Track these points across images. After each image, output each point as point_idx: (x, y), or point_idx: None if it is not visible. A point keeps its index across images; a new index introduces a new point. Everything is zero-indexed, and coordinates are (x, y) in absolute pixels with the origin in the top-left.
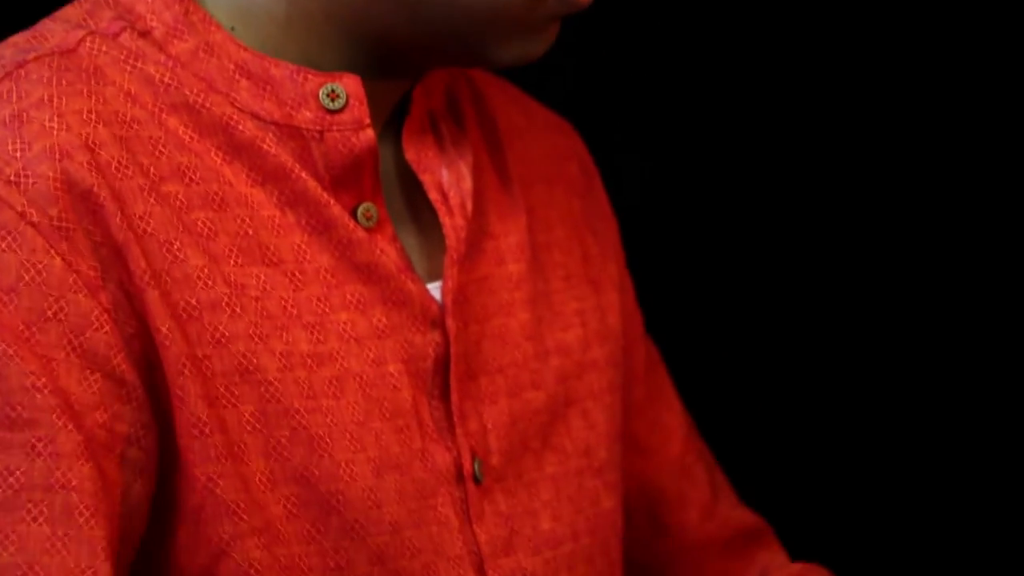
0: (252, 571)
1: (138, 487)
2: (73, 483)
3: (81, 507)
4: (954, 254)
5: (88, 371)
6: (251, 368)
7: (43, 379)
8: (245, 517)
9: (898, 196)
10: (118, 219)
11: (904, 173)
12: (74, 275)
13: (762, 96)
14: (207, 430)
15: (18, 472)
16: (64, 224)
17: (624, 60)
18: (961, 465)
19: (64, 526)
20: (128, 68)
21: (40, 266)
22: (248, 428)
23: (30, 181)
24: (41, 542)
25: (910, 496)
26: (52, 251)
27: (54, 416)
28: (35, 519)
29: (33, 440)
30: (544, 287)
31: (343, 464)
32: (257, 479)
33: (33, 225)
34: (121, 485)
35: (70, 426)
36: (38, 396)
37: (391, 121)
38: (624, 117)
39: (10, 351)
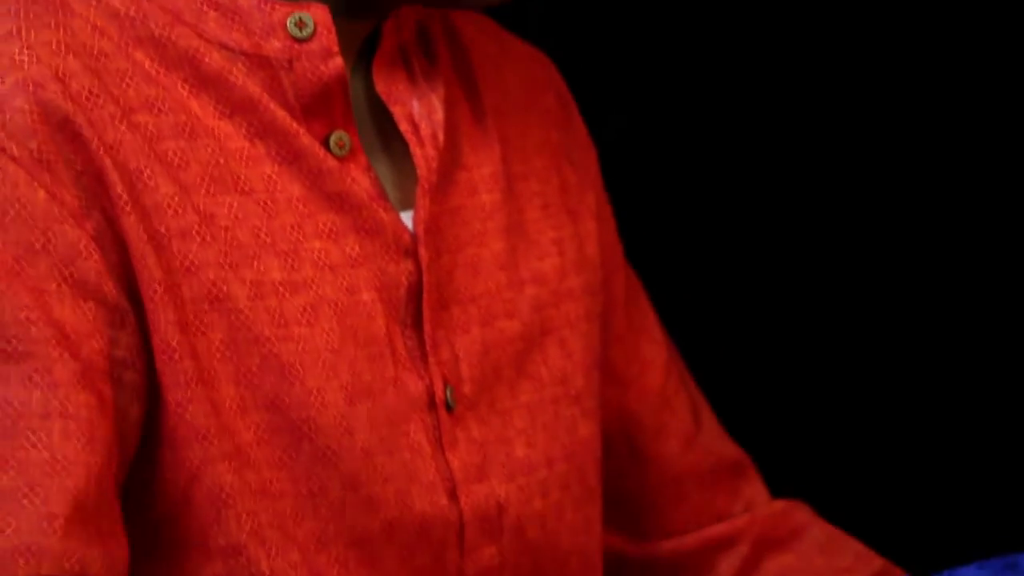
0: (223, 495)
1: (134, 410)
2: (70, 411)
3: (79, 433)
4: (950, 236)
5: (81, 300)
6: (220, 296)
7: (37, 311)
8: (215, 442)
9: (895, 177)
10: (95, 145)
11: (900, 152)
12: (59, 206)
13: (759, 79)
14: (177, 356)
15: (16, 403)
16: (44, 155)
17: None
18: (941, 405)
19: (62, 451)
20: (94, 2)
21: (24, 200)
22: (218, 355)
23: (7, 115)
24: (41, 466)
25: (889, 440)
26: (35, 183)
27: (50, 347)
28: (34, 445)
29: (30, 372)
30: (519, 217)
31: (314, 391)
32: (227, 405)
33: (14, 159)
34: (118, 410)
35: (66, 356)
36: (33, 328)
37: (362, 55)
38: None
39: (2, 286)
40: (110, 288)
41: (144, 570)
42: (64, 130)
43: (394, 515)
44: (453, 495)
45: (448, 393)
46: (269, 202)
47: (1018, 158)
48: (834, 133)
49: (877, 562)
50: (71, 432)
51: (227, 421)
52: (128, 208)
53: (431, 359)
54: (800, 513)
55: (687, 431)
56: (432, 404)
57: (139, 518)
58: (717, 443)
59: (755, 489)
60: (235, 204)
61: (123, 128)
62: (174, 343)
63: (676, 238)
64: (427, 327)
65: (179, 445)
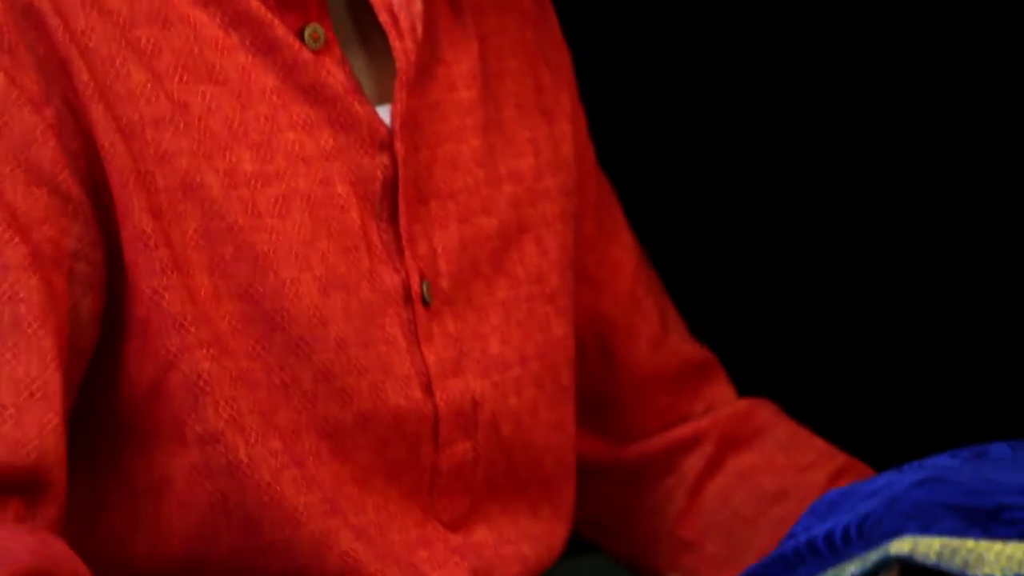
0: (201, 382)
1: (88, 302)
2: (21, 295)
3: (29, 318)
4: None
5: (34, 186)
6: (194, 185)
7: None
8: (192, 329)
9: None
10: (60, 33)
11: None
12: (17, 90)
13: (742, 56)
14: (151, 243)
15: None
16: (5, 40)
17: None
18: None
19: (13, 337)
20: None
21: None
22: (192, 244)
23: None
24: None
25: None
26: None
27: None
28: None
29: None
30: (496, 115)
31: (288, 282)
32: (203, 294)
33: None
34: (70, 300)
35: (16, 239)
36: None
37: None
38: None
39: None
40: (65, 177)
41: (115, 463)
42: (28, 15)
43: (368, 408)
44: (428, 389)
45: (425, 288)
46: (243, 92)
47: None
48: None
49: (840, 458)
50: (21, 317)
51: (204, 309)
52: (95, 96)
53: (407, 253)
54: (764, 411)
55: (656, 333)
56: (408, 298)
57: (107, 411)
58: (684, 345)
59: (721, 389)
60: (209, 93)
61: (93, 14)
62: (148, 230)
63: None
64: (403, 221)
65: (152, 334)
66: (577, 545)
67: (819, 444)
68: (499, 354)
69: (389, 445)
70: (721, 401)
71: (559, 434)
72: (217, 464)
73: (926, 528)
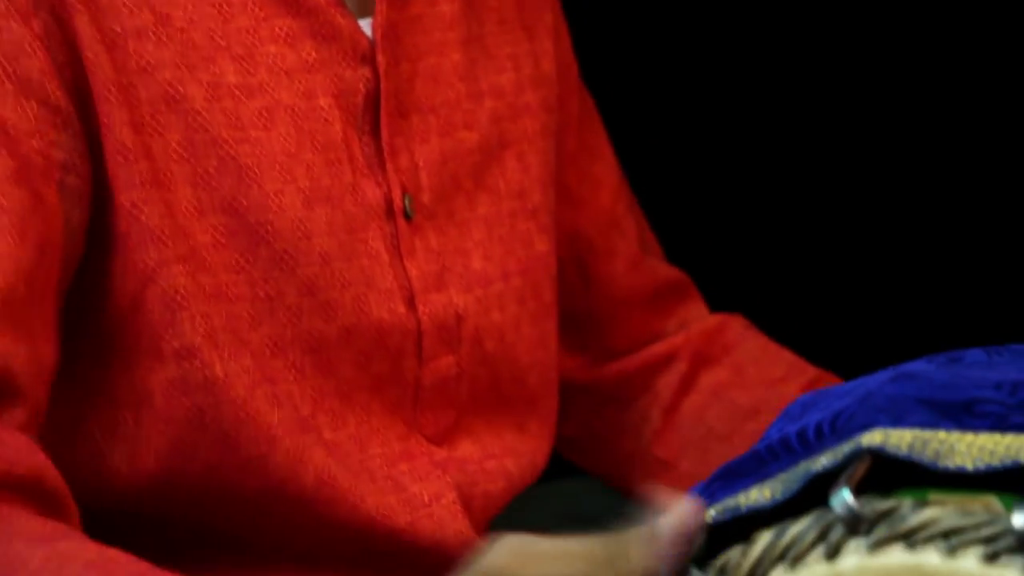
0: (178, 297)
1: (77, 214)
2: (4, 205)
3: (10, 228)
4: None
5: (23, 98)
6: (177, 97)
7: None
8: (169, 244)
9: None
10: None
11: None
12: (5, 2)
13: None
14: (132, 156)
15: None
16: None
17: None
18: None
19: None
20: None
21: None
22: (175, 157)
23: None
24: None
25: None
26: None
27: None
28: None
29: None
30: (478, 30)
31: (272, 195)
32: (183, 207)
33: None
34: (62, 212)
35: (3, 152)
36: None
37: None
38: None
39: None
40: (54, 88)
41: (96, 376)
42: None
43: (351, 321)
44: (411, 303)
45: (406, 202)
46: (224, 5)
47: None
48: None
49: (811, 371)
50: (3, 227)
51: (183, 224)
52: (80, 7)
53: (389, 166)
54: (735, 326)
55: (634, 253)
56: (390, 212)
57: (90, 323)
58: (661, 266)
59: (695, 307)
60: (190, 5)
61: None
62: (128, 143)
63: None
64: (385, 134)
65: (132, 248)
66: (559, 466)
67: (789, 357)
68: (481, 270)
69: (372, 359)
70: (694, 318)
71: (542, 350)
72: (194, 379)
73: (898, 421)
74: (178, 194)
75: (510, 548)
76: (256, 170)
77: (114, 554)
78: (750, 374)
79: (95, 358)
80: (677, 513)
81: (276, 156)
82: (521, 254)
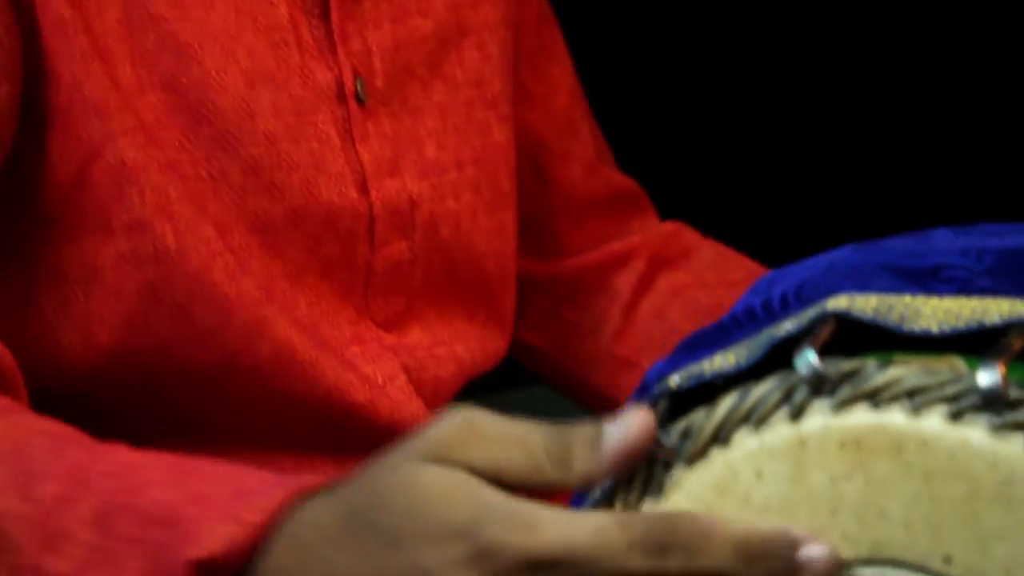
0: (126, 170)
1: (4, 89)
2: None
3: None
4: None
5: None
6: None
7: None
8: (116, 117)
9: None
10: None
11: None
12: None
13: None
14: (71, 30)
15: None
16: None
17: None
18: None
19: None
20: None
21: None
22: (113, 33)
23: None
24: None
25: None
26: None
27: None
28: None
29: None
30: None
31: (213, 73)
32: (126, 83)
33: None
34: None
35: None
36: None
37: None
38: None
39: None
40: None
41: (45, 254)
42: None
43: (299, 203)
44: (363, 188)
45: (359, 85)
46: None
47: None
48: None
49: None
50: None
51: (128, 98)
52: None
53: (340, 50)
54: (689, 233)
55: (589, 158)
56: (342, 95)
57: (35, 201)
58: (616, 175)
59: (650, 217)
60: None
61: None
62: (67, 16)
63: None
64: (335, 17)
65: (76, 121)
66: (519, 375)
67: (747, 263)
68: (435, 157)
69: (322, 242)
70: (649, 226)
71: (499, 240)
72: (145, 252)
73: (863, 287)
74: (119, 71)
75: (456, 424)
76: (197, 48)
77: (64, 427)
78: (709, 276)
79: (42, 236)
80: (628, 422)
81: (217, 35)
82: (477, 143)
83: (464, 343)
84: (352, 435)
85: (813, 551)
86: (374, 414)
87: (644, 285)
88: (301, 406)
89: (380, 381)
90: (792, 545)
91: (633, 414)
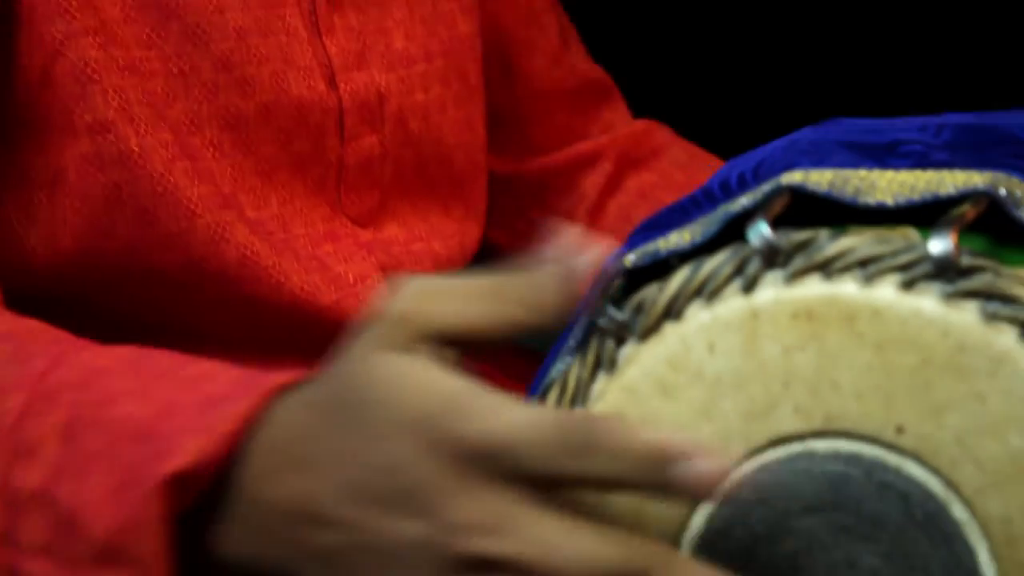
0: (88, 70)
1: None
2: None
3: None
4: None
5: None
6: None
7: None
8: (78, 16)
9: None
10: None
11: None
12: None
13: None
14: None
15: None
16: None
17: None
18: None
19: None
20: None
21: None
22: None
23: None
24: None
25: None
26: None
27: None
28: None
29: None
30: None
31: None
32: None
33: None
34: None
35: None
36: None
37: None
38: None
39: None
40: None
41: (8, 157)
42: None
43: (269, 98)
44: (332, 82)
45: None
46: None
47: None
48: None
49: None
50: None
51: None
52: None
53: None
54: (661, 132)
55: (555, 49)
56: None
57: None
58: (583, 63)
59: (618, 111)
60: None
61: None
62: None
63: None
64: None
65: (39, 20)
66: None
67: (718, 163)
68: (403, 49)
69: (293, 138)
70: (619, 121)
71: (468, 132)
72: (108, 154)
73: (820, 163)
74: None
75: (412, 292)
76: None
77: (26, 324)
78: (678, 177)
79: (5, 138)
80: (588, 254)
81: None
82: (444, 35)
83: (441, 239)
84: (321, 338)
85: (711, 464)
86: (341, 315)
87: (612, 186)
88: (267, 310)
89: (351, 280)
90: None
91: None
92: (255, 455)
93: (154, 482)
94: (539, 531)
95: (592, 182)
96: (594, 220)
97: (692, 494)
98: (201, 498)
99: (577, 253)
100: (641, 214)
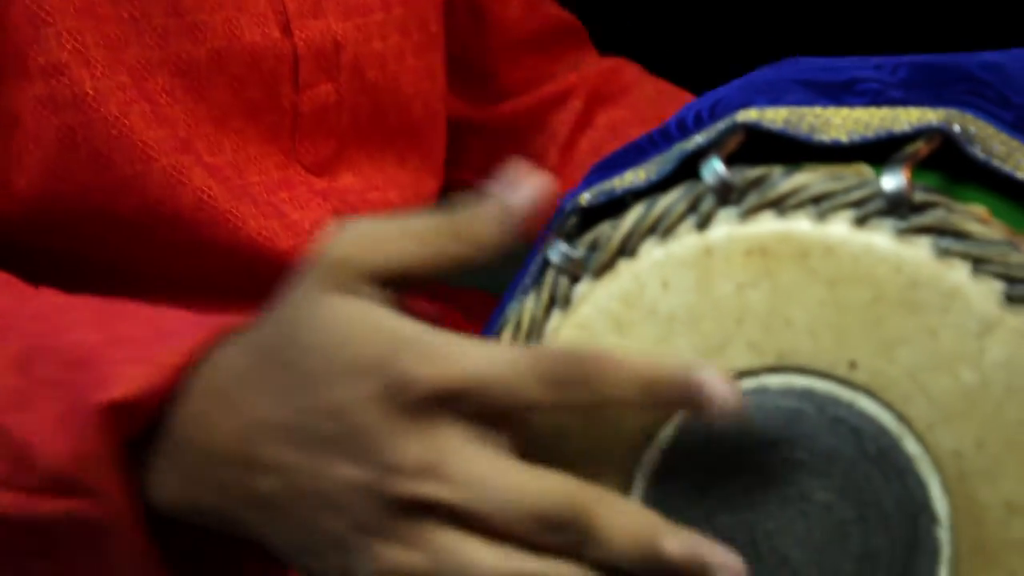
0: (42, 12)
1: None
2: None
3: None
4: None
5: None
6: None
7: None
8: None
9: None
10: None
11: None
12: None
13: None
14: None
15: None
16: None
17: None
18: None
19: None
20: None
21: None
22: None
23: None
24: None
25: None
26: None
27: None
28: None
29: None
30: None
31: None
32: None
33: None
34: None
35: None
36: None
37: None
38: None
39: None
40: None
41: None
42: None
43: (222, 44)
44: (287, 29)
45: None
46: None
47: None
48: None
49: None
50: None
51: None
52: None
53: None
54: (630, 69)
55: None
56: None
57: None
58: (554, 8)
59: (587, 51)
60: None
61: None
62: None
63: None
64: None
65: None
66: None
67: (688, 99)
68: None
69: (246, 84)
70: (587, 62)
71: (428, 81)
72: (62, 97)
73: (776, 101)
74: None
75: (351, 234)
76: None
77: None
78: (648, 113)
79: None
80: (527, 185)
81: None
82: None
83: (397, 188)
84: (278, 284)
85: (710, 375)
86: (299, 262)
87: (582, 123)
88: (224, 255)
89: (307, 227)
90: (690, 372)
91: (532, 178)
92: (196, 392)
93: (94, 409)
94: (477, 474)
95: (562, 120)
96: (565, 158)
97: (708, 408)
98: (152, 434)
99: (515, 187)
100: (612, 150)
